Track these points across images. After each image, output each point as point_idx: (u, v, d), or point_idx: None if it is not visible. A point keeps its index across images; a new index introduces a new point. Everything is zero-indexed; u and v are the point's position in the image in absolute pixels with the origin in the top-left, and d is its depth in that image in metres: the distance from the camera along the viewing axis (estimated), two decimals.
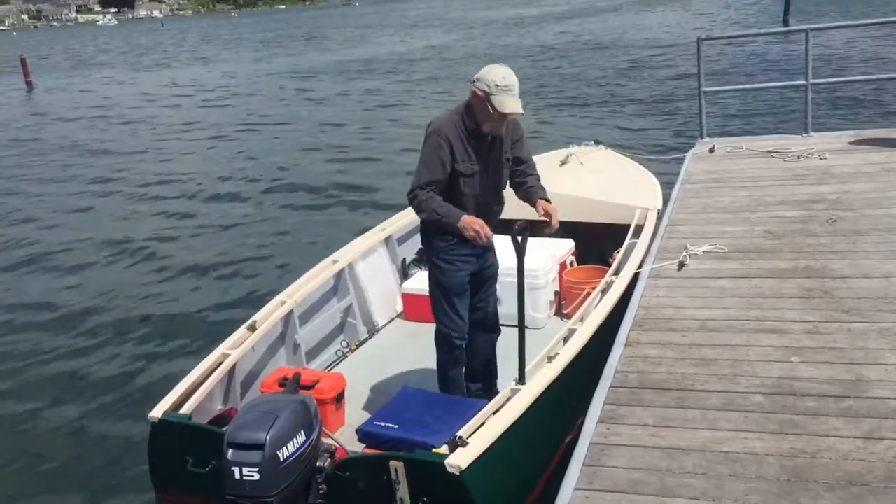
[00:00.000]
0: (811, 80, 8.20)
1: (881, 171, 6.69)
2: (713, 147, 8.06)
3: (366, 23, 56.57)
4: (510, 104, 3.91)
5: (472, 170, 4.06)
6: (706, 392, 3.62)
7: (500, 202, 4.32)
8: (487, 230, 4.02)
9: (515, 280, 4.08)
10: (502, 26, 42.26)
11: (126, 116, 21.90)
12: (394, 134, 15.94)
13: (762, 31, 23.84)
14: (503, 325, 4.61)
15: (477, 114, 3.99)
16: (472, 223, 3.98)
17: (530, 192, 4.32)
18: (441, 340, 4.41)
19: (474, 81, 3.98)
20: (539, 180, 4.40)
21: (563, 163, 7.05)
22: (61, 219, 11.54)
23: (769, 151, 7.71)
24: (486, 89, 3.90)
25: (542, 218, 4.28)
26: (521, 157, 4.35)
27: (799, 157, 7.42)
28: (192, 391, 4.18)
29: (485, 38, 37.25)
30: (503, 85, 3.90)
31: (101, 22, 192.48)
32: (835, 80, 13.71)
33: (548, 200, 4.30)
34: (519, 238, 4.05)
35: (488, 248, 4.33)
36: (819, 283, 4.64)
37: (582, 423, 4.18)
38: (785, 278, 4.77)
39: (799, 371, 3.71)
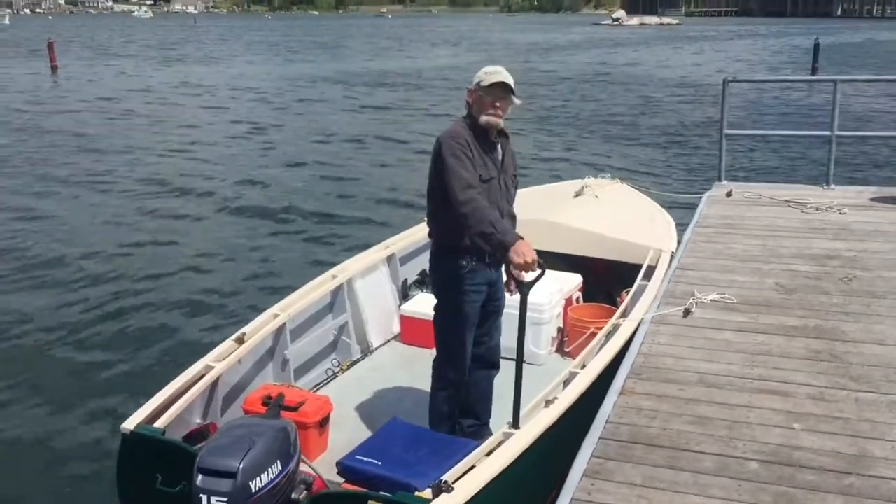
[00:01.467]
0: (836, 132, 8.02)
1: None
2: (730, 191, 7.88)
3: (395, 34, 56.78)
4: (498, 75, 3.89)
5: (490, 175, 3.90)
6: (700, 454, 3.42)
7: (513, 218, 4.12)
8: (535, 265, 3.65)
9: (517, 312, 3.88)
10: (526, 50, 42.28)
11: (136, 111, 21.87)
12: (404, 150, 15.81)
13: (789, 77, 23.69)
14: (502, 357, 4.42)
15: (475, 111, 3.93)
16: (526, 252, 3.56)
17: (515, 219, 4.15)
18: (440, 375, 4.20)
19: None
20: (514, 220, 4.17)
21: (577, 194, 6.87)
22: (45, 215, 11.18)
23: (787, 201, 7.52)
24: (477, 80, 3.93)
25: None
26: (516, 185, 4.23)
27: (818, 209, 7.23)
28: (171, 403, 3.99)
29: (507, 60, 37.27)
30: (491, 70, 3.94)
31: (136, 13, 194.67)
32: (861, 133, 13.57)
33: None
34: (517, 273, 3.84)
35: (500, 279, 4.14)
36: (828, 346, 4.44)
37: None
38: (793, 337, 4.57)
39: (800, 439, 3.51)
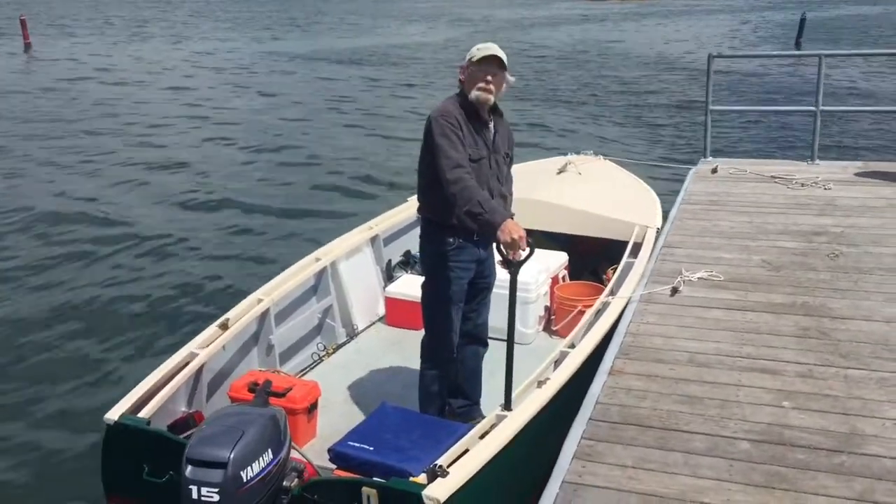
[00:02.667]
0: (821, 107, 7.98)
1: (887, 207, 6.48)
2: (716, 168, 7.85)
3: (371, 10, 56.10)
4: (489, 49, 3.85)
5: (479, 154, 3.84)
6: (690, 434, 3.40)
7: (505, 199, 4.05)
8: (524, 243, 3.67)
9: (507, 291, 3.83)
10: (507, 27, 41.90)
11: (112, 91, 21.41)
12: (384, 129, 15.63)
13: (775, 52, 23.65)
14: (490, 337, 4.38)
15: (467, 88, 3.86)
16: (515, 229, 3.59)
17: (507, 199, 4.08)
18: (429, 353, 4.15)
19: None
20: (510, 198, 4.17)
21: (560, 171, 6.80)
22: (19, 199, 10.89)
23: (773, 177, 7.49)
24: (469, 56, 3.88)
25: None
26: (511, 161, 4.16)
27: (803, 184, 7.21)
28: (155, 392, 3.92)
29: (487, 37, 36.98)
30: (482, 46, 3.90)
31: None
32: (845, 108, 13.58)
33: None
34: (507, 252, 3.79)
35: (490, 255, 4.09)
36: (817, 323, 4.42)
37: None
38: (781, 314, 4.55)
39: (790, 418, 3.49)
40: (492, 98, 3.87)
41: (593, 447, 3.34)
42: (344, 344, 5.48)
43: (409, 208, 6.49)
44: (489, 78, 3.82)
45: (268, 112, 18.04)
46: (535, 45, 32.02)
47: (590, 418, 3.56)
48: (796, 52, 21.38)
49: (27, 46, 33.41)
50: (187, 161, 13.16)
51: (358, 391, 4.81)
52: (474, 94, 3.84)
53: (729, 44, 31.70)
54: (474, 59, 3.83)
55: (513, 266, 3.74)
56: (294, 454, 3.56)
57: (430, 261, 4.01)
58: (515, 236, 3.59)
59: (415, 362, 5.00)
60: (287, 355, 5.10)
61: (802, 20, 30.30)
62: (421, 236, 4.09)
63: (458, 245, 3.91)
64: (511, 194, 4.20)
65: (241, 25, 42.47)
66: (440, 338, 4.07)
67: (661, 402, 3.66)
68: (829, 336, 4.26)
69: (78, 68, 26.03)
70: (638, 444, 3.34)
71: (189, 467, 3.01)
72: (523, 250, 3.71)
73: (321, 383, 4.46)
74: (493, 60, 3.81)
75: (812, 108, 8.09)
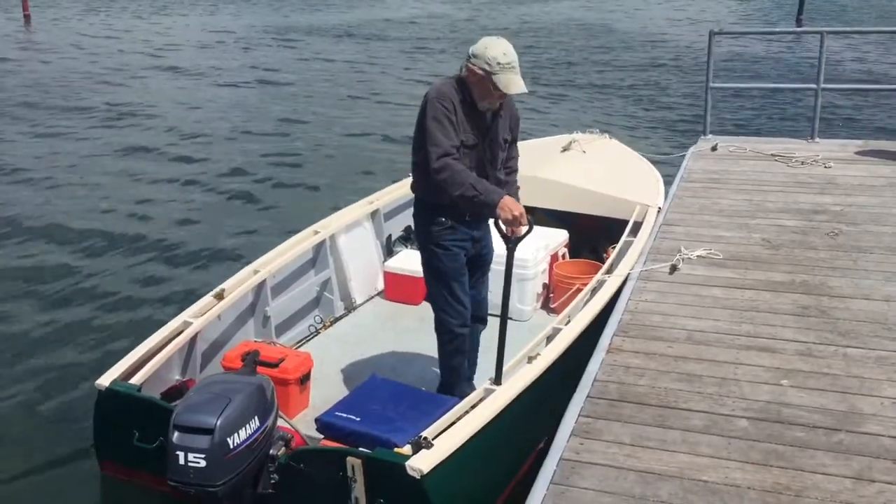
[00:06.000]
0: (822, 85, 7.93)
1: (886, 186, 6.45)
2: (716, 145, 7.81)
3: None
4: (515, 83, 3.63)
5: (473, 141, 3.74)
6: (689, 411, 3.39)
7: (501, 183, 3.95)
8: (524, 219, 3.67)
9: (502, 269, 3.82)
10: (500, 0, 41.52)
11: (113, 65, 21.14)
12: (387, 106, 15.52)
13: (776, 29, 23.48)
14: (489, 314, 4.35)
15: (474, 91, 3.70)
16: (513, 207, 3.61)
17: (502, 184, 3.95)
18: (441, 329, 4.08)
19: (470, 58, 3.68)
20: (516, 174, 4.10)
21: (565, 149, 6.76)
22: (17, 171, 10.74)
23: (773, 155, 7.45)
24: (487, 68, 3.61)
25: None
26: (513, 143, 4.06)
27: (803, 163, 7.18)
28: (147, 359, 3.95)
29: (480, 11, 36.59)
30: (505, 63, 3.62)
31: None
32: (846, 86, 13.51)
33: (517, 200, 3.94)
34: (506, 229, 3.76)
35: (486, 233, 4.05)
36: (816, 301, 4.41)
37: (555, 431, 3.95)
38: (780, 292, 4.54)
39: (788, 396, 3.48)
40: (497, 107, 3.78)
41: (591, 425, 3.33)
42: (342, 317, 5.48)
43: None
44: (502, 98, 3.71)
45: (269, 87, 17.89)
46: (530, 20, 31.78)
47: (588, 396, 3.55)
48: (798, 30, 21.21)
49: (27, 19, 33.04)
50: (183, 136, 13.05)
51: (353, 364, 4.81)
52: (485, 106, 3.72)
53: (731, 20, 31.47)
54: (498, 83, 3.62)
55: (511, 242, 3.72)
56: (284, 424, 3.60)
57: (424, 238, 3.98)
58: (516, 213, 3.58)
59: (412, 337, 5.03)
60: (284, 327, 5.11)
61: None
62: (414, 215, 4.05)
63: (450, 225, 3.86)
64: (514, 174, 4.11)
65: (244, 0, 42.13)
66: (449, 311, 4.01)
67: (659, 380, 3.65)
68: (828, 314, 4.25)
69: (80, 41, 25.77)
70: (636, 422, 3.33)
71: (176, 433, 3.06)
72: (523, 226, 3.68)
73: (317, 355, 4.47)
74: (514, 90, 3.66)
75: (813, 86, 8.05)
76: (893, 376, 3.61)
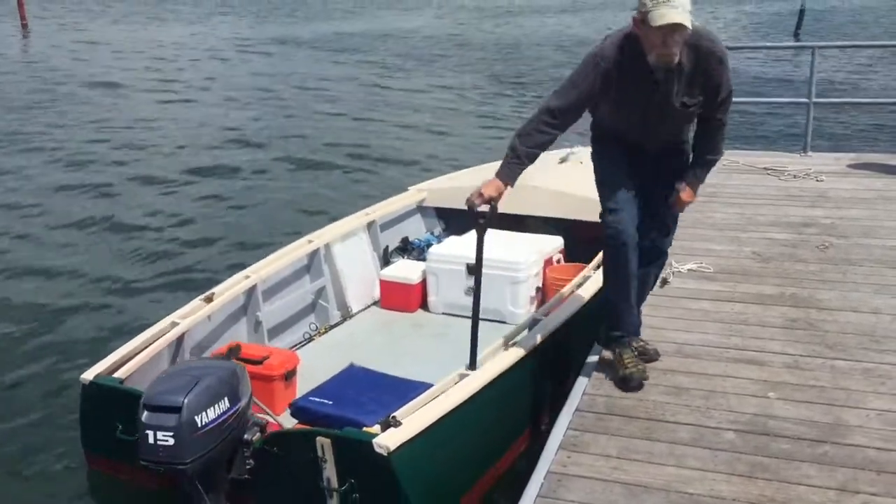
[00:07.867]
0: (814, 99, 7.99)
1: (878, 199, 6.49)
2: None
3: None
4: (666, 15, 3.11)
5: (629, 101, 3.43)
6: (676, 424, 3.42)
7: (668, 145, 3.65)
8: (480, 200, 3.50)
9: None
10: (501, 13, 41.71)
11: (110, 75, 21.28)
12: (393, 115, 15.58)
13: (769, 44, 23.62)
14: (482, 319, 4.37)
15: (642, 43, 3.29)
16: (486, 189, 3.49)
17: (670, 162, 3.65)
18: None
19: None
20: (704, 162, 3.71)
21: (562, 160, 6.84)
22: (11, 176, 10.85)
23: (765, 168, 7.50)
24: (643, 8, 3.19)
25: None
26: (708, 115, 3.57)
27: (795, 176, 7.22)
28: (133, 356, 4.00)
29: (477, 25, 36.80)
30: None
31: None
32: (838, 100, 13.55)
33: (693, 192, 3.73)
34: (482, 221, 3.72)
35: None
36: (804, 314, 4.44)
37: (532, 430, 3.97)
38: (769, 305, 4.57)
39: (775, 409, 3.51)
40: (675, 58, 3.27)
41: (579, 438, 3.36)
42: (337, 324, 5.54)
43: (409, 197, 6.59)
44: (667, 41, 3.20)
45: (259, 97, 17.98)
46: (527, 33, 31.94)
47: (577, 409, 3.58)
48: (789, 44, 21.28)
49: (24, 28, 33.12)
50: (180, 141, 13.12)
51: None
52: (653, 60, 3.28)
53: (727, 34, 31.64)
54: (649, 19, 3.16)
55: (477, 226, 3.69)
56: (262, 415, 3.66)
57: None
58: (480, 196, 3.50)
59: (406, 344, 5.08)
60: (276, 332, 5.17)
61: (801, 11, 30.19)
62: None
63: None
64: (705, 156, 3.71)
65: (241, 9, 42.33)
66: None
67: (647, 393, 3.68)
68: (817, 327, 4.28)
69: (76, 49, 25.91)
70: (623, 435, 3.36)
71: (145, 413, 3.10)
72: (478, 208, 3.55)
73: (312, 360, 4.54)
74: (674, 28, 3.16)
75: (805, 100, 8.10)
76: (880, 388, 3.64)
